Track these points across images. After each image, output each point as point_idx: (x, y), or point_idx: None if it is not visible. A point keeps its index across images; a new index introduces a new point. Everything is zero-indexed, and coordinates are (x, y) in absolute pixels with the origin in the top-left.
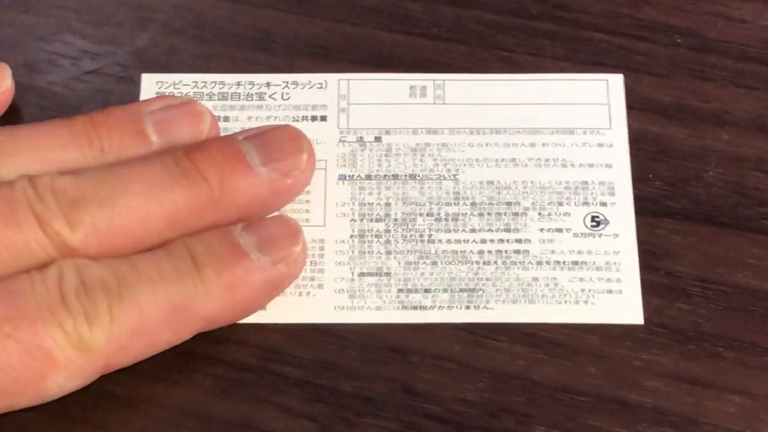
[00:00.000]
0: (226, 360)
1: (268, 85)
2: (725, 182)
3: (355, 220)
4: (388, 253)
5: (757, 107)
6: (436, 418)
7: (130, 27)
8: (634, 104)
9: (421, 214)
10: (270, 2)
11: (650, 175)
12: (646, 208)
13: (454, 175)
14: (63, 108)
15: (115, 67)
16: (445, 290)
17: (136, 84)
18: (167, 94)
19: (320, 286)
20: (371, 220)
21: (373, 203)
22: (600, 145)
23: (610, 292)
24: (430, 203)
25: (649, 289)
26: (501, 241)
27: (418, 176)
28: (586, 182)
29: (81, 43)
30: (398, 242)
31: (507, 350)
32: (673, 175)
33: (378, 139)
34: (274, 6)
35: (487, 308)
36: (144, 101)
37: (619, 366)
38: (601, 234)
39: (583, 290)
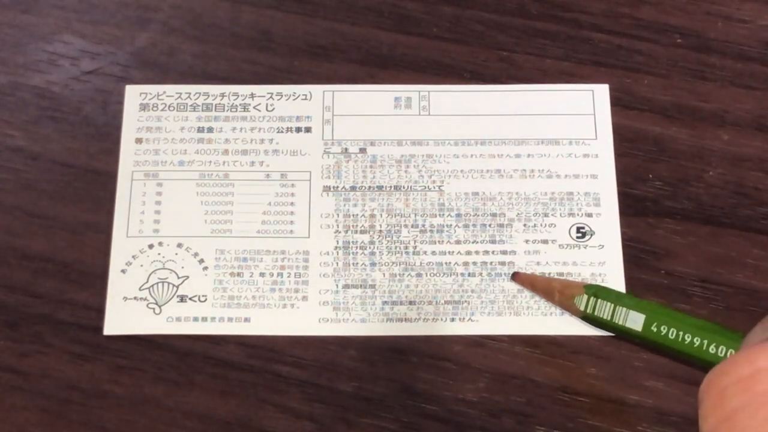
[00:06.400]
0: (226, 360)
1: (252, 96)
2: (725, 182)
3: (340, 232)
4: (373, 264)
5: (757, 107)
6: (436, 418)
7: (130, 27)
8: (634, 104)
9: (405, 226)
10: (270, 2)
11: (650, 175)
12: (646, 208)
13: (439, 187)
14: (63, 108)
15: (115, 67)
16: (429, 302)
17: (135, 84)
18: (151, 105)
19: (304, 298)
20: (356, 232)
21: (357, 215)
22: (585, 155)
23: None
24: (415, 215)
25: (649, 289)
26: (486, 252)
27: (403, 187)
28: (572, 193)
29: (81, 43)
30: (383, 254)
31: (507, 350)
32: (673, 175)
33: (363, 150)
34: (274, 6)
35: (472, 320)
36: None
37: (619, 366)
38: (587, 245)
39: None
